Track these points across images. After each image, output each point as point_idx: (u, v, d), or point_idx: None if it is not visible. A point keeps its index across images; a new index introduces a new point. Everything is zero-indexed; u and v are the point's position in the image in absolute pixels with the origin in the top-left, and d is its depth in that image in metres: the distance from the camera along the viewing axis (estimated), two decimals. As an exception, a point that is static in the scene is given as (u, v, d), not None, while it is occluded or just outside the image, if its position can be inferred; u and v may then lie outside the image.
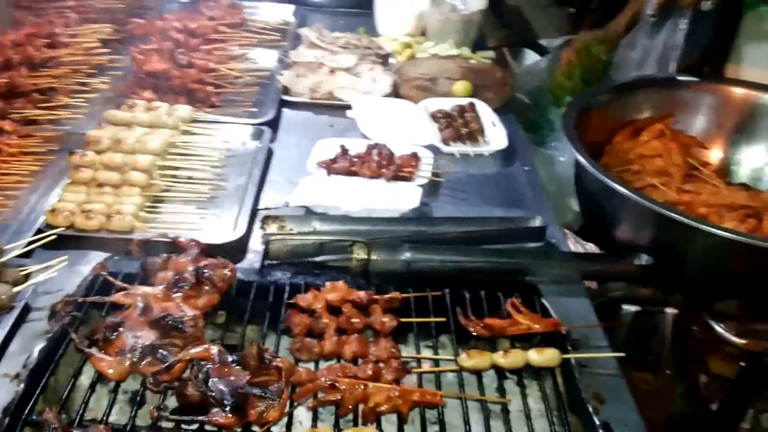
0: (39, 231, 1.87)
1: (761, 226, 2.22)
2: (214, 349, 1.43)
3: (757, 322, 2.04)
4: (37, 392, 1.44)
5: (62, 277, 1.70)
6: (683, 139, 2.65)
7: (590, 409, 1.52)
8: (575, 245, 2.25)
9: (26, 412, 1.40)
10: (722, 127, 2.73)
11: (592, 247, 2.29)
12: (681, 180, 2.47)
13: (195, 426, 1.37)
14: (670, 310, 2.17)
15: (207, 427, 1.38)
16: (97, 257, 1.82)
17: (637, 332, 2.17)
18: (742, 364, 2.17)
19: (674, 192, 2.38)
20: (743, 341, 1.99)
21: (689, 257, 2.04)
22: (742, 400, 2.29)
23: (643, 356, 2.24)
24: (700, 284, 2.10)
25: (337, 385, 1.46)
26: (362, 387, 1.47)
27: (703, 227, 1.92)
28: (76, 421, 1.37)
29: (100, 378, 1.48)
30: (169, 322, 1.50)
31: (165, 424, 1.36)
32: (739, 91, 2.72)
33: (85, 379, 1.54)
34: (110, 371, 1.44)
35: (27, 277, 1.68)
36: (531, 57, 3.80)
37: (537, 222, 2.09)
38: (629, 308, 2.15)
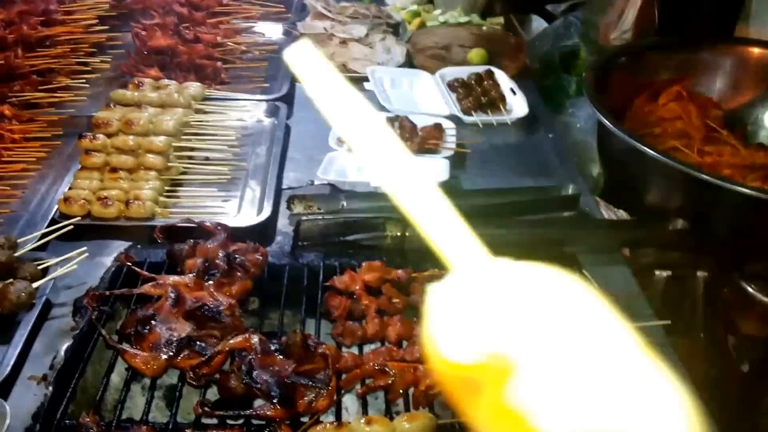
0: (53, 221, 1.77)
1: (784, 186, 2.18)
2: (255, 339, 1.35)
3: (787, 282, 1.97)
4: (68, 395, 1.35)
5: (83, 269, 1.60)
6: (701, 101, 2.59)
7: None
8: (607, 213, 2.18)
9: (58, 417, 1.31)
10: (739, 88, 2.67)
11: (623, 215, 2.23)
12: (701, 142, 2.42)
13: (240, 420, 1.29)
14: (700, 274, 2.11)
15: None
16: (118, 247, 1.72)
17: (668, 298, 2.12)
18: (774, 324, 2.12)
19: (696, 154, 2.34)
20: (775, 301, 1.91)
21: (720, 219, 1.98)
22: (774, 360, 2.25)
23: (675, 322, 2.20)
24: (731, 246, 2.04)
25: (386, 369, 1.38)
26: (412, 370, 1.39)
27: (737, 188, 1.86)
28: (114, 423, 1.29)
29: (133, 375, 1.39)
30: (205, 312, 1.42)
31: (209, 420, 1.28)
32: (757, 52, 2.65)
33: (116, 377, 1.45)
34: (146, 367, 1.35)
35: (45, 271, 1.58)
36: (537, 23, 3.70)
37: (570, 190, 2.02)
38: (660, 274, 2.10)
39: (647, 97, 2.62)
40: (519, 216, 1.95)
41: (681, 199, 2.07)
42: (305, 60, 0.47)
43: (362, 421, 1.27)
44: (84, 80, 2.48)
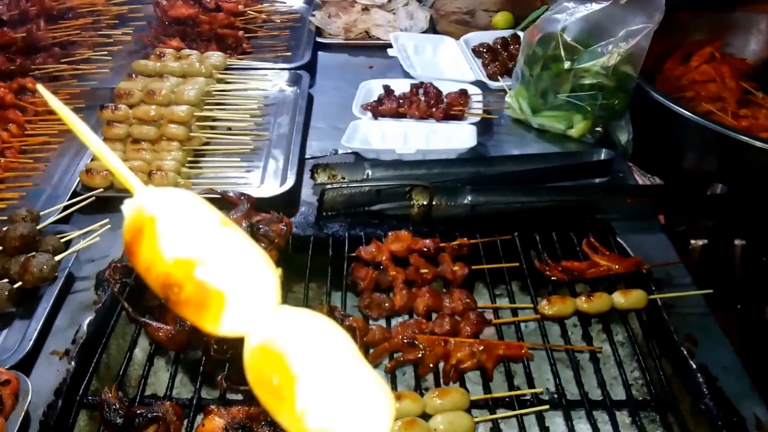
0: (75, 194, 1.75)
1: (821, 151, 2.09)
2: (280, 311, 1.31)
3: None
4: (90, 370, 1.34)
5: (105, 242, 1.58)
6: (734, 63, 2.50)
7: (684, 353, 1.40)
8: (641, 178, 2.11)
9: (80, 392, 1.30)
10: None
11: (657, 180, 2.15)
12: (735, 105, 2.34)
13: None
14: (738, 242, 2.04)
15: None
16: (141, 219, 1.70)
17: (705, 266, 2.05)
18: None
19: (730, 117, 2.25)
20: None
21: (758, 183, 1.89)
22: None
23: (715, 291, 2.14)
24: (769, 212, 1.96)
25: (416, 342, 1.34)
26: (442, 343, 1.35)
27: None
28: (138, 399, 1.26)
29: (157, 349, 1.38)
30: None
31: (234, 395, 1.26)
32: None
33: (140, 351, 1.44)
34: (169, 341, 1.32)
35: (67, 244, 1.56)
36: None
37: (602, 155, 1.95)
38: (696, 242, 2.03)
39: (678, 60, 2.53)
40: (549, 182, 1.89)
41: (717, 163, 2.00)
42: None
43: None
44: (106, 53, 2.46)
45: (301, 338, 0.61)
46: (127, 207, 0.66)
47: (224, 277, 0.62)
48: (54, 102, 0.66)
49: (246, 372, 0.62)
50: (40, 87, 0.69)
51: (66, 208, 1.68)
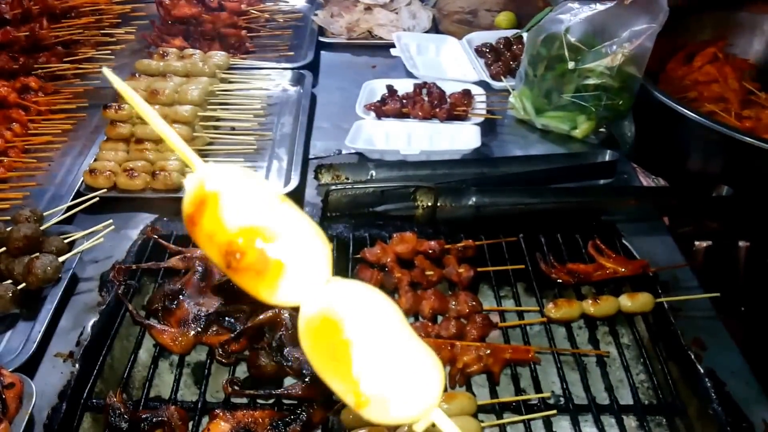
0: (78, 194, 1.74)
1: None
2: (286, 314, 1.30)
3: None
4: (95, 372, 1.33)
5: (109, 242, 1.58)
6: (737, 64, 2.49)
7: (692, 357, 1.39)
8: (646, 180, 2.10)
9: (85, 395, 1.29)
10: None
11: (662, 182, 2.14)
12: (739, 106, 2.33)
13: (271, 400, 1.26)
14: (742, 243, 2.03)
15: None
16: (144, 219, 1.69)
17: (709, 269, 2.04)
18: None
19: (734, 118, 2.24)
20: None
21: (763, 184, 1.89)
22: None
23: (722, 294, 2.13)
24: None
25: (421, 346, 1.33)
26: (449, 347, 1.34)
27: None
28: (142, 402, 1.26)
29: (161, 352, 1.37)
30: (234, 285, 1.37)
31: (239, 399, 1.25)
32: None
33: (144, 354, 1.43)
34: (174, 344, 1.31)
35: (71, 245, 1.55)
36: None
37: (607, 156, 1.94)
38: (701, 244, 2.02)
39: (681, 60, 2.52)
40: (554, 184, 1.88)
41: (722, 165, 2.00)
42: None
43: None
44: (109, 51, 2.46)
45: (355, 307, 0.64)
46: (189, 181, 0.68)
47: (283, 248, 0.65)
48: (119, 83, 0.69)
49: (301, 339, 0.65)
50: (105, 70, 0.70)
51: (70, 208, 1.67)
